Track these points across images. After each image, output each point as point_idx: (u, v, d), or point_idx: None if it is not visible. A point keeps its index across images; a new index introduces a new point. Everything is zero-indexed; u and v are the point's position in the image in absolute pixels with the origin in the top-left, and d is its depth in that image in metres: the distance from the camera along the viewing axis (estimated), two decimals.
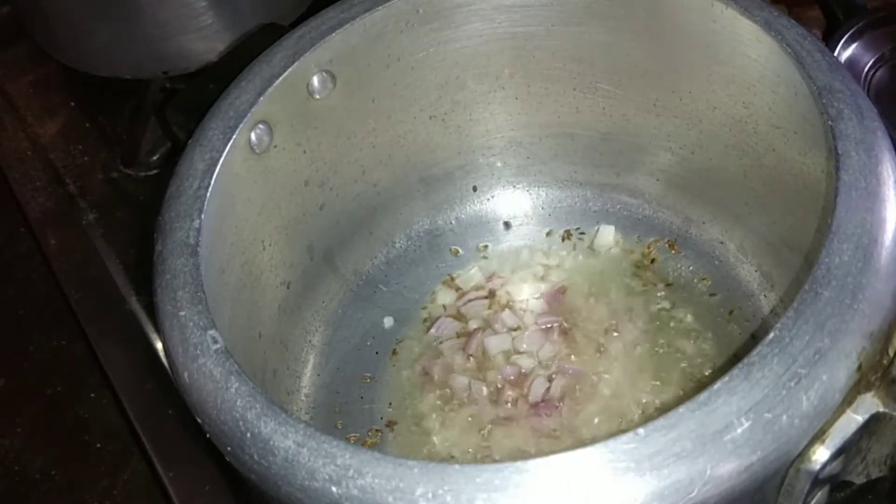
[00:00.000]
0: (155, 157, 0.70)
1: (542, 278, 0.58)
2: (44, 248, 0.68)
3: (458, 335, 0.57)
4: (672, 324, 0.55)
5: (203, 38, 0.63)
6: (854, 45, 0.61)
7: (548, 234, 0.60)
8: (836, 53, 0.60)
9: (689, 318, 0.55)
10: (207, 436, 0.37)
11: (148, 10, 0.62)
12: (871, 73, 0.61)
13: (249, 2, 0.63)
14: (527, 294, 0.58)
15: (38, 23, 0.70)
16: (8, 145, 0.74)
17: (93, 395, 0.64)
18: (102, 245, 0.66)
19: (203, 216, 0.42)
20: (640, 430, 0.32)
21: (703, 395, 0.32)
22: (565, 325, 0.56)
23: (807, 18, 0.66)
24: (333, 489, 0.33)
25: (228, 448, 0.36)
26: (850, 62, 0.61)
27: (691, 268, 0.57)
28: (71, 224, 0.68)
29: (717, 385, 0.33)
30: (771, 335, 0.34)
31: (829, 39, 0.62)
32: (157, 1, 0.61)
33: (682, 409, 0.32)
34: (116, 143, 0.71)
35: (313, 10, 0.50)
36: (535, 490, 0.31)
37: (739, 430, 0.32)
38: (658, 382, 0.52)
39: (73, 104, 0.76)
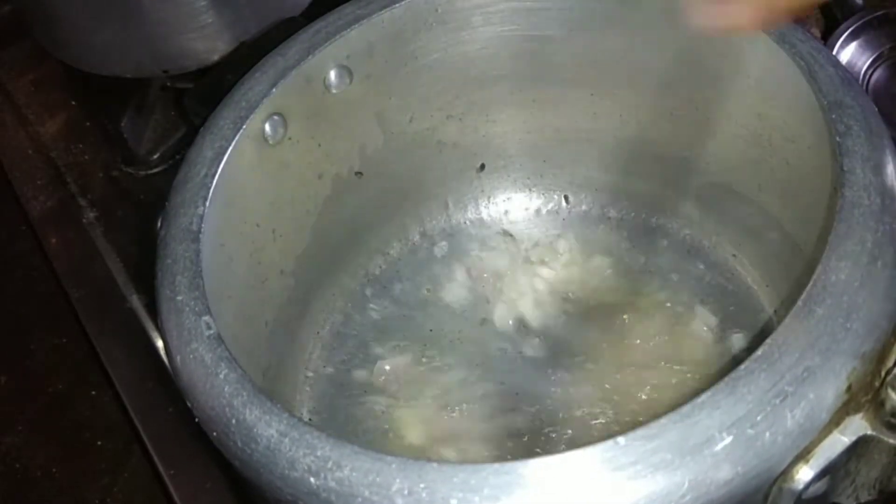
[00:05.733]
0: (156, 156, 0.70)
1: (554, 281, 0.58)
2: (44, 247, 0.68)
3: (468, 332, 0.57)
4: (679, 334, 0.54)
5: (203, 37, 0.64)
6: (852, 45, 0.61)
7: (561, 237, 0.60)
8: (834, 53, 0.59)
9: (698, 329, 0.54)
10: (196, 420, 0.38)
11: (148, 10, 0.62)
12: (869, 72, 0.60)
13: (249, 1, 0.64)
14: (537, 296, 0.58)
15: (39, 21, 0.70)
16: (9, 144, 0.75)
17: (94, 393, 0.64)
18: (103, 243, 0.67)
19: (208, 203, 0.43)
20: (620, 439, 0.32)
21: (685, 407, 0.32)
22: (573, 328, 0.56)
23: (805, 18, 0.65)
24: (312, 480, 0.33)
25: (214, 433, 0.36)
26: (849, 62, 0.60)
27: (701, 280, 0.56)
28: (72, 223, 0.69)
29: (700, 398, 0.32)
30: (759, 351, 0.33)
31: (828, 39, 0.61)
32: (158, 0, 0.62)
33: (663, 419, 0.32)
34: (117, 142, 0.71)
35: (313, 9, 0.50)
36: (510, 493, 0.31)
37: (720, 445, 0.32)
38: (657, 393, 0.51)
39: (73, 103, 0.77)
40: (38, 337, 0.69)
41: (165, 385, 0.57)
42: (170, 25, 0.63)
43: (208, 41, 0.63)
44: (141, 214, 0.68)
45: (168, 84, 0.69)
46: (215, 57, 0.64)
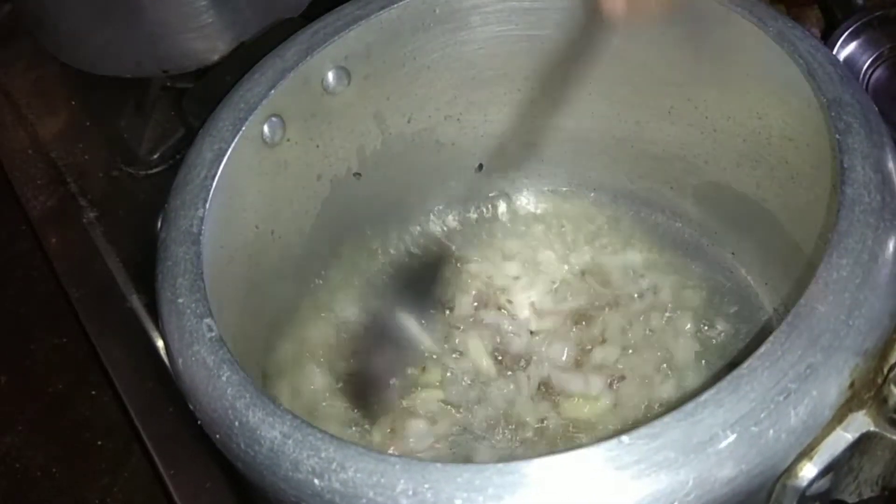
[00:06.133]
0: (155, 156, 0.70)
1: (553, 281, 0.58)
2: (45, 247, 0.68)
3: (467, 332, 0.57)
4: (677, 333, 0.54)
5: (203, 37, 0.64)
6: (853, 44, 0.61)
7: (559, 236, 0.60)
8: (834, 52, 0.59)
9: (699, 328, 0.54)
10: (199, 422, 0.38)
11: (148, 10, 0.62)
12: (869, 71, 0.60)
13: (249, 1, 0.64)
14: (537, 296, 0.58)
15: (39, 22, 0.70)
16: (9, 144, 0.74)
17: (94, 392, 0.64)
18: (103, 243, 0.66)
19: (208, 206, 0.43)
20: (624, 438, 0.32)
21: (689, 405, 0.32)
22: (575, 329, 0.56)
23: (806, 17, 0.65)
24: (316, 481, 0.33)
25: (217, 435, 0.36)
26: (849, 61, 0.60)
27: (700, 278, 0.56)
28: (72, 222, 0.68)
29: (704, 396, 0.32)
30: (762, 348, 0.33)
31: (828, 38, 0.61)
32: (158, 0, 0.62)
33: (667, 418, 0.32)
34: (117, 142, 0.71)
35: (314, 8, 0.50)
36: (513, 492, 0.31)
37: (724, 443, 0.32)
38: (656, 392, 0.51)
39: (73, 103, 0.76)
40: (38, 337, 0.69)
41: (165, 385, 0.57)
42: (170, 25, 0.63)
43: (208, 41, 0.63)
44: (141, 214, 0.67)
45: (168, 84, 0.69)
46: (215, 57, 0.64)
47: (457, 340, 0.56)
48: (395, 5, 0.50)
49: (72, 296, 0.64)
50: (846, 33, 0.61)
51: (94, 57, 0.67)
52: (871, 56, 0.61)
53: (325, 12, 0.50)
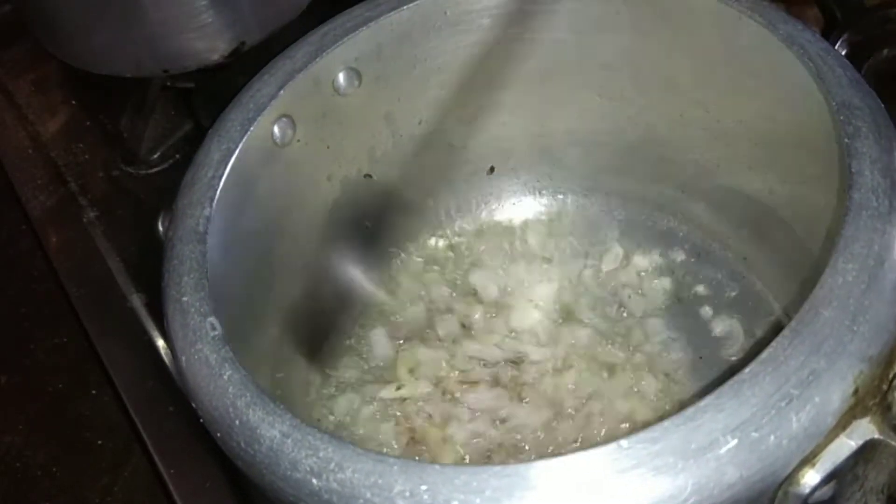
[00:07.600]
0: (156, 156, 0.70)
1: (564, 283, 0.58)
2: (45, 246, 0.68)
3: (475, 335, 0.57)
4: (690, 337, 0.54)
5: (203, 36, 0.64)
6: (852, 44, 0.60)
7: (570, 240, 0.59)
8: None
9: (709, 332, 0.54)
10: (200, 420, 0.38)
11: (148, 9, 0.63)
12: (869, 72, 0.59)
13: (250, 1, 0.64)
14: (546, 298, 0.58)
15: (39, 21, 0.71)
16: (9, 143, 0.75)
17: (94, 392, 0.64)
18: (103, 243, 0.66)
19: (214, 205, 0.43)
20: (623, 441, 0.32)
21: (689, 410, 0.32)
22: (581, 329, 0.55)
23: (805, 17, 0.64)
24: (314, 481, 0.33)
25: (218, 434, 0.36)
26: (849, 61, 0.59)
27: (712, 283, 0.56)
28: (72, 222, 0.69)
29: (704, 401, 0.32)
30: (765, 353, 0.33)
31: (828, 39, 0.60)
32: (158, 0, 0.62)
33: (666, 422, 0.32)
34: (117, 142, 0.71)
35: (314, 8, 0.50)
36: (511, 495, 0.31)
37: (725, 448, 0.31)
38: (664, 395, 0.51)
39: (74, 102, 0.77)
40: (38, 336, 0.69)
41: (165, 385, 0.57)
42: (170, 25, 0.63)
43: (208, 41, 0.64)
44: (141, 214, 0.67)
45: (168, 84, 0.69)
46: (215, 57, 0.65)
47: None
48: (406, 7, 0.50)
49: (72, 295, 0.64)
50: (845, 33, 0.60)
51: (94, 57, 0.68)
52: (870, 56, 0.60)
53: (327, 11, 0.50)
